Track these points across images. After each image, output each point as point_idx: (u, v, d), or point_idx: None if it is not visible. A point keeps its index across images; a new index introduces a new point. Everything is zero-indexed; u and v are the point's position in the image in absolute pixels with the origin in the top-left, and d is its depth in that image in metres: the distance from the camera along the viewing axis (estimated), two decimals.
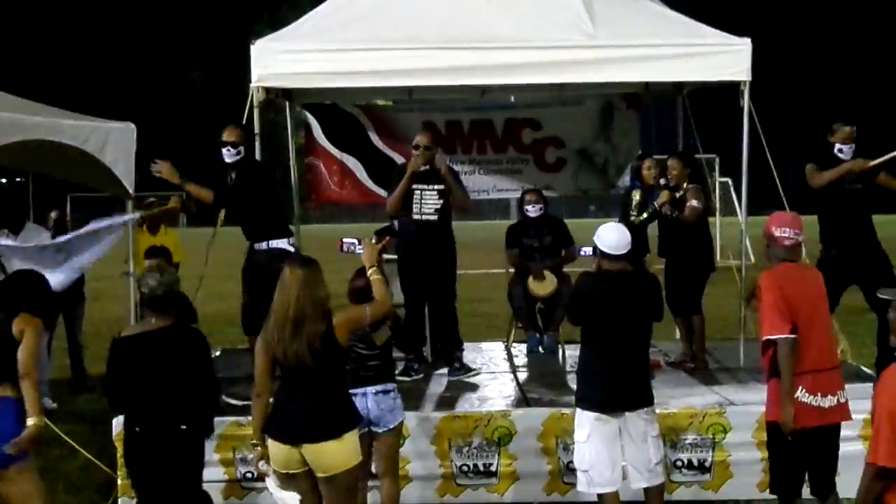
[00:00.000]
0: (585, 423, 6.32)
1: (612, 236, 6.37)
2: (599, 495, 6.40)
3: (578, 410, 6.41)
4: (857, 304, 9.20)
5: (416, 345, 9.26)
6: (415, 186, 9.03)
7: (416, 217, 9.05)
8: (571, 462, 7.52)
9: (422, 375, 9.08)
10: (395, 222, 10.46)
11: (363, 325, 5.93)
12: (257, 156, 8.80)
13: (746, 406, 7.66)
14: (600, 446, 6.29)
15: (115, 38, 58.60)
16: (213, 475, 7.50)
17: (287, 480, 5.66)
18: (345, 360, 5.85)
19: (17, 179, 37.49)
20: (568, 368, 9.69)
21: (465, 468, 7.59)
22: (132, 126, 8.58)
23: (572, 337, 10.94)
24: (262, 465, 5.74)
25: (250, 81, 8.73)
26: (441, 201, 9.04)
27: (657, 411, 6.63)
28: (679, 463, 7.57)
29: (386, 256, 6.23)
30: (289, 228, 8.82)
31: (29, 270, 6.63)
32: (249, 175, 8.43)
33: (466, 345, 9.49)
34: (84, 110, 8.65)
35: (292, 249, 8.41)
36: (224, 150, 8.36)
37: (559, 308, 10.01)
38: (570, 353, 10.18)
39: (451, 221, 9.27)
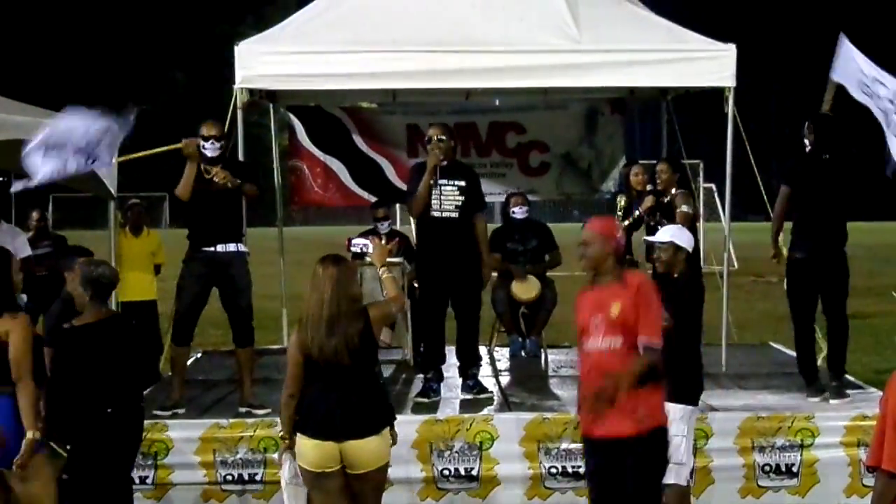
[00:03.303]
0: (687, 418, 6.34)
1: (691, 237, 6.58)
2: (679, 486, 6.34)
3: (676, 406, 6.19)
4: None
5: (437, 362, 8.51)
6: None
7: (434, 214, 8.25)
8: (553, 466, 7.56)
9: (439, 398, 8.41)
10: (380, 225, 10.43)
11: (391, 321, 6.02)
12: (240, 158, 8.79)
13: (728, 412, 7.68)
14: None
15: (98, 38, 58.37)
16: (194, 477, 7.49)
17: (318, 479, 5.61)
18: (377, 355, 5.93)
19: None
20: (550, 373, 9.69)
21: (446, 472, 7.56)
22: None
23: (555, 341, 10.96)
24: (285, 456, 5.74)
25: (234, 83, 8.70)
26: (462, 198, 8.26)
27: None
28: None
29: (389, 259, 6.28)
30: None
31: None
32: (236, 169, 8.29)
33: (448, 348, 8.76)
34: None
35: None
36: (207, 145, 7.99)
37: (542, 312, 9.99)
38: (553, 358, 10.20)
39: (470, 222, 8.44)
